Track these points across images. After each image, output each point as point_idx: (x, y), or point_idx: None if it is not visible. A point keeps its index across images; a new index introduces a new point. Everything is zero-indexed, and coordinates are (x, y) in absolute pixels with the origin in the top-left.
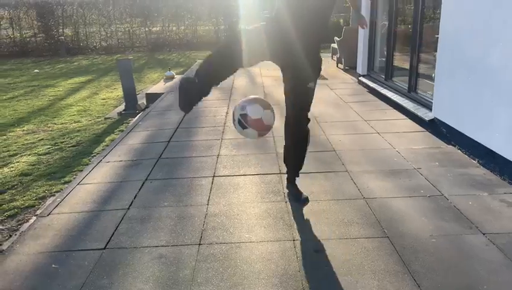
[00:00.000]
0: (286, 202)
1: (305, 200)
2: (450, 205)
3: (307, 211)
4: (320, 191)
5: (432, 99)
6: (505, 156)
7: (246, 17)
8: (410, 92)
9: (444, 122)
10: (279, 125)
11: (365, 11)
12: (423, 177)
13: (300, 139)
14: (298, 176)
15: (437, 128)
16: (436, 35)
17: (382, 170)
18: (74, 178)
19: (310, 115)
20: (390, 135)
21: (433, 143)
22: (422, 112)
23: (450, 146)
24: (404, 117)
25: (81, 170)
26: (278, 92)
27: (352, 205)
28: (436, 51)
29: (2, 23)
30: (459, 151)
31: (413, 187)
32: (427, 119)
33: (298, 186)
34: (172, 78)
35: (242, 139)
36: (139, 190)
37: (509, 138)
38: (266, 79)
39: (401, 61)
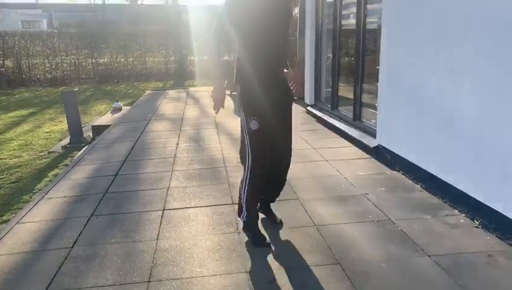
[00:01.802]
0: (239, 233)
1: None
2: (397, 229)
3: None
4: (273, 220)
5: (376, 127)
6: (444, 180)
7: (197, 48)
8: (355, 121)
9: (387, 149)
10: (231, 155)
11: (310, 44)
12: (371, 203)
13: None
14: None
15: (381, 154)
16: (377, 67)
17: (332, 196)
18: (13, 217)
19: None
20: (338, 162)
21: (378, 169)
22: (367, 140)
23: (395, 171)
24: (351, 145)
25: (21, 208)
26: (228, 122)
27: (304, 233)
28: (377, 81)
29: None
30: (403, 176)
31: (362, 213)
32: (371, 146)
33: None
34: (120, 109)
35: (193, 170)
36: (84, 226)
37: (447, 162)
38: None
39: (346, 91)
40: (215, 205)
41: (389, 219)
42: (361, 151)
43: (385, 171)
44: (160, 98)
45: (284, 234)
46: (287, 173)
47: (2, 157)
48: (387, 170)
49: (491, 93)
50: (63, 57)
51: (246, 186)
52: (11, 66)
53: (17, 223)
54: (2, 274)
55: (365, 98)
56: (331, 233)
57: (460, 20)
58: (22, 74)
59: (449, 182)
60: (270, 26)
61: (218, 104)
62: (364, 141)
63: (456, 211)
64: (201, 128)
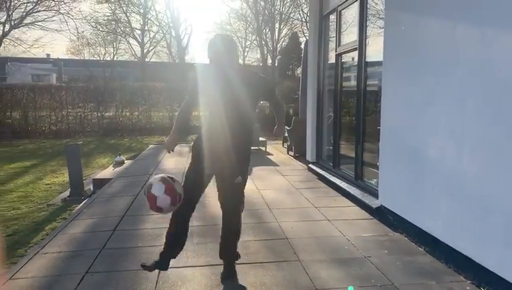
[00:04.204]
0: None
1: None
2: None
3: None
4: (273, 283)
5: (378, 187)
6: (448, 244)
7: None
8: (357, 180)
9: (390, 210)
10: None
11: (311, 103)
12: (373, 266)
13: (231, 234)
14: (232, 275)
15: (384, 215)
16: (378, 127)
17: (333, 258)
18: (6, 272)
19: (261, 201)
20: (340, 222)
21: (381, 230)
22: (369, 200)
23: (398, 233)
24: (353, 204)
25: (15, 263)
26: None
27: None
28: (378, 141)
29: None
30: (406, 238)
31: (365, 276)
32: (374, 206)
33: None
34: (122, 163)
35: (192, 227)
36: (78, 284)
37: (451, 226)
38: None
39: (348, 150)
40: (213, 265)
41: (392, 283)
42: (363, 211)
43: (388, 233)
44: (163, 152)
45: None
46: (230, 224)
47: (1, 209)
48: (390, 232)
49: (493, 155)
50: (69, 110)
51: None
52: (17, 117)
53: (9, 279)
54: None
55: (367, 157)
56: None
57: (459, 81)
58: (27, 126)
59: (453, 246)
60: (223, 108)
61: (168, 149)
62: (367, 201)
63: (461, 277)
64: None
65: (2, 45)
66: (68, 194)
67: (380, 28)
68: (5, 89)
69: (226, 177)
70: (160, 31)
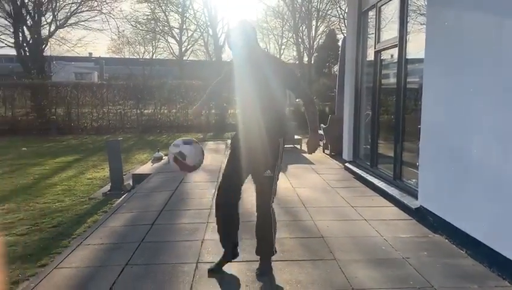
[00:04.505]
0: None
1: None
2: None
3: None
4: (308, 281)
5: (417, 187)
6: (491, 247)
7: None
8: (396, 180)
9: (430, 211)
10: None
11: (349, 101)
12: (412, 268)
13: (264, 230)
14: (267, 271)
15: (423, 216)
16: (419, 126)
17: (370, 258)
18: (51, 261)
19: (297, 199)
20: (377, 222)
21: (420, 231)
22: (408, 200)
23: (438, 235)
24: (391, 204)
25: (60, 253)
26: None
27: None
28: (418, 140)
29: None
30: (446, 240)
31: (403, 278)
32: (413, 207)
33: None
34: (160, 159)
35: None
36: (119, 275)
37: (495, 228)
38: None
39: (386, 149)
40: (249, 261)
41: (432, 286)
42: (402, 211)
43: (427, 235)
44: None
45: None
46: (262, 220)
47: (46, 201)
48: (430, 233)
49: None
50: (109, 107)
51: None
52: (61, 114)
53: (54, 268)
54: None
55: (406, 156)
56: None
57: (504, 79)
58: (71, 122)
59: (497, 249)
60: (245, 95)
61: (194, 115)
62: (405, 202)
63: (506, 282)
64: None
65: (48, 44)
66: (109, 188)
67: (421, 24)
68: (50, 86)
69: (258, 170)
70: (198, 30)
